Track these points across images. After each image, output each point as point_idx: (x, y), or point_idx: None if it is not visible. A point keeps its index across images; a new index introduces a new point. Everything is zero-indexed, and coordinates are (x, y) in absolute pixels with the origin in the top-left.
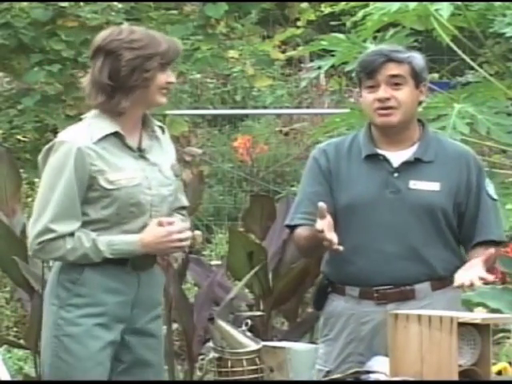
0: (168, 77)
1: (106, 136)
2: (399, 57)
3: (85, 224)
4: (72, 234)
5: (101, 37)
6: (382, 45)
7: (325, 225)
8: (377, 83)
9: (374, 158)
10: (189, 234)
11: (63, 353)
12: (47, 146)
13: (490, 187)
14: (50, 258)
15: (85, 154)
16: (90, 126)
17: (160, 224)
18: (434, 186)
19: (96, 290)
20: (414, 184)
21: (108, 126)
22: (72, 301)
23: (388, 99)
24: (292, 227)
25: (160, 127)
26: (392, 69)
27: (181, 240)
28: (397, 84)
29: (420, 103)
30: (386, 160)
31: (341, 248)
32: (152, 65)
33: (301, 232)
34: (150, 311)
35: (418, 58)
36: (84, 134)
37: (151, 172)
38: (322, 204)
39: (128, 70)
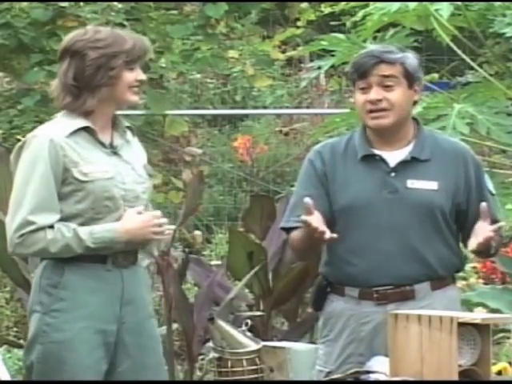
0: (138, 74)
1: (78, 130)
2: (391, 57)
3: (59, 220)
4: (52, 227)
5: (67, 39)
6: (375, 45)
7: (313, 219)
8: (369, 85)
9: (370, 159)
10: (165, 220)
11: (50, 359)
12: (19, 144)
13: (489, 182)
14: (32, 251)
15: (58, 145)
16: (60, 122)
17: (138, 213)
18: (432, 185)
19: (78, 292)
20: (412, 183)
21: (79, 122)
22: (56, 306)
23: (380, 101)
24: (287, 230)
25: (129, 128)
26: (384, 70)
27: (160, 226)
28: (389, 85)
29: (415, 103)
30: (382, 160)
31: (335, 235)
32: (117, 63)
33: (295, 234)
34: (141, 310)
35: (411, 58)
36: (56, 128)
37: (124, 169)
38: (307, 200)
39: (93, 68)
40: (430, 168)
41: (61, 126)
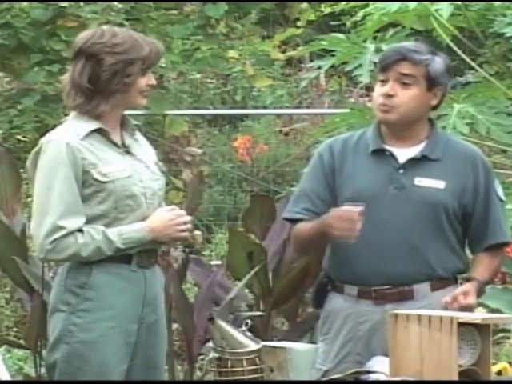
0: (149, 79)
1: (91, 132)
2: (416, 58)
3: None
4: (80, 231)
5: (82, 39)
6: (408, 42)
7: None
8: (387, 78)
9: (380, 153)
10: (189, 218)
11: (75, 359)
12: (34, 150)
13: (499, 188)
14: (63, 257)
15: (75, 148)
16: (73, 125)
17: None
18: (440, 184)
19: (105, 293)
20: (420, 181)
21: (90, 124)
22: (82, 306)
23: (391, 96)
24: (291, 221)
25: (136, 126)
26: (404, 68)
27: (185, 223)
28: (406, 83)
29: (435, 107)
30: (392, 156)
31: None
32: (133, 70)
33: (303, 224)
34: (158, 310)
35: (438, 62)
36: (69, 131)
37: (139, 167)
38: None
39: (109, 74)
40: (439, 167)
41: (74, 128)
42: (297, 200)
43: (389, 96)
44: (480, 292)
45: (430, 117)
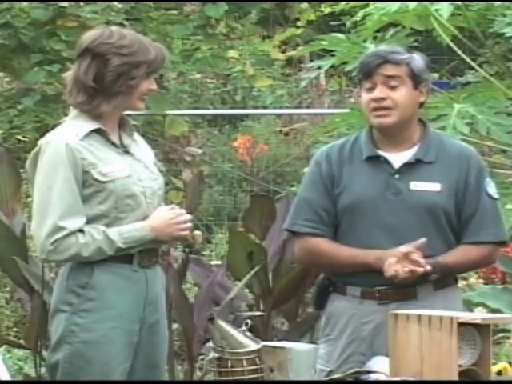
0: (150, 84)
1: (90, 133)
2: (397, 58)
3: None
4: (81, 231)
5: (89, 38)
6: (382, 46)
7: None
8: (374, 84)
9: (374, 160)
10: (190, 217)
11: (78, 359)
12: (34, 151)
13: (491, 187)
14: (65, 257)
15: (74, 149)
16: (72, 126)
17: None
18: (435, 187)
19: (107, 293)
20: (415, 185)
21: (89, 125)
22: (84, 306)
23: (383, 99)
24: (293, 233)
25: (134, 126)
26: (388, 70)
27: (186, 222)
28: (393, 85)
29: (422, 104)
30: (386, 162)
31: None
32: (139, 72)
33: (334, 246)
34: (159, 310)
35: (418, 60)
36: (68, 132)
37: (138, 167)
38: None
39: (114, 75)
40: (433, 170)
41: (73, 129)
42: (299, 210)
43: (381, 99)
44: (435, 271)
45: (421, 118)
